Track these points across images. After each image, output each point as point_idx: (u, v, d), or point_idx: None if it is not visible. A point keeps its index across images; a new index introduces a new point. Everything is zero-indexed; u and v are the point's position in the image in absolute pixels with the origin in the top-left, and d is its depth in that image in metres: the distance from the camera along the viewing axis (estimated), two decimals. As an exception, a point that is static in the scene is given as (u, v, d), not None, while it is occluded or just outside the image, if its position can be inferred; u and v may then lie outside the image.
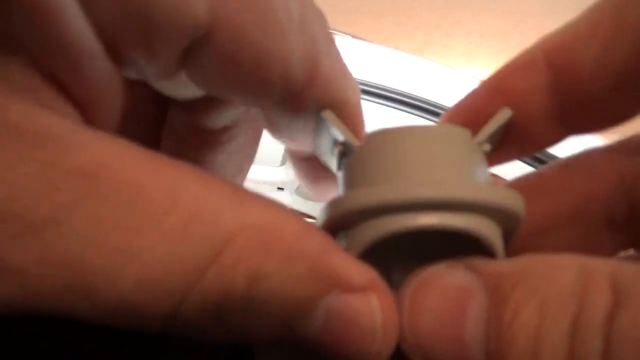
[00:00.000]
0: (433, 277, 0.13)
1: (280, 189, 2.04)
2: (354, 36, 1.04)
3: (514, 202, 0.14)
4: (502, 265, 0.12)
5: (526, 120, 0.16)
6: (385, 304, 0.12)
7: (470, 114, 0.16)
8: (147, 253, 0.10)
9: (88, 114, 0.11)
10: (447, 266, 0.13)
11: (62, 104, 0.11)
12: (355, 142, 0.15)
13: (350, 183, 0.15)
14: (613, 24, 0.14)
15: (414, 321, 0.12)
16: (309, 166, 0.20)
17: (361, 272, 0.12)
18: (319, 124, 0.17)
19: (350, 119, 0.16)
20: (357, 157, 0.15)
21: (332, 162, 0.17)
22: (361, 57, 0.95)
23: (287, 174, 1.88)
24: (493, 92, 0.16)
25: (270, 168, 1.93)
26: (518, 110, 0.16)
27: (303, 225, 0.12)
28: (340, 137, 0.16)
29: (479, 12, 3.54)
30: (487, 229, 0.13)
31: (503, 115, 0.16)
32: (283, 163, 1.89)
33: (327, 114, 0.16)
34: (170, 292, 0.10)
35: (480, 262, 0.13)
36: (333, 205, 0.14)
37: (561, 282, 0.11)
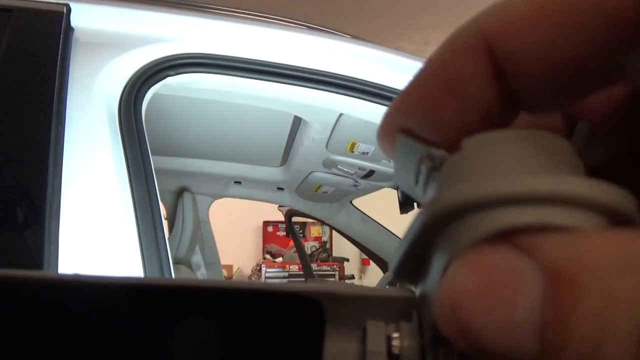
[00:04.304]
0: (478, 257, 0.12)
1: (280, 189, 2.05)
2: (354, 36, 1.04)
3: (630, 202, 0.12)
4: (560, 246, 0.11)
5: (477, 107, 0.15)
6: None
7: (419, 103, 0.15)
8: None
9: None
10: (493, 245, 0.12)
11: None
12: (445, 153, 0.14)
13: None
14: (563, 11, 0.13)
15: (456, 303, 0.11)
16: None
17: None
18: (398, 152, 0.15)
19: None
20: (456, 163, 0.14)
21: (418, 189, 0.16)
22: (361, 57, 0.95)
23: (287, 174, 1.88)
24: (438, 81, 0.15)
25: (270, 168, 1.93)
26: (467, 97, 0.14)
27: None
28: (431, 152, 0.14)
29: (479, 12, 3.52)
30: None
31: (584, 128, 0.15)
32: (283, 163, 1.89)
33: (405, 137, 0.15)
34: None
35: (532, 240, 0.11)
36: (443, 197, 0.12)
37: (634, 267, 0.10)
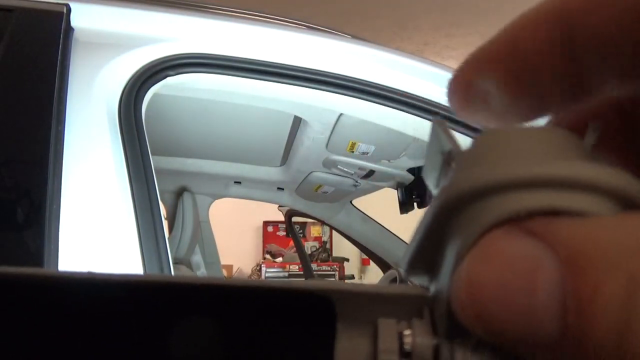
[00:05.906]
0: (494, 245, 0.12)
1: (280, 189, 2.05)
2: (354, 36, 1.04)
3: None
4: (575, 230, 0.11)
5: (537, 80, 0.14)
6: None
7: (492, 64, 0.15)
8: None
9: None
10: (508, 232, 0.12)
11: None
12: (461, 149, 0.14)
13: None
14: None
15: (474, 292, 0.11)
16: None
17: None
18: (430, 137, 0.16)
19: None
20: (469, 155, 0.14)
21: (434, 179, 0.16)
22: (361, 57, 0.95)
23: (287, 174, 1.88)
24: (510, 47, 0.15)
25: (270, 168, 1.93)
26: (529, 68, 0.14)
27: None
28: (452, 150, 0.14)
29: (479, 12, 3.54)
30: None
31: (595, 128, 0.15)
32: (283, 163, 1.89)
33: (439, 122, 0.15)
34: None
35: (546, 226, 0.11)
36: (456, 183, 0.12)
37: None
